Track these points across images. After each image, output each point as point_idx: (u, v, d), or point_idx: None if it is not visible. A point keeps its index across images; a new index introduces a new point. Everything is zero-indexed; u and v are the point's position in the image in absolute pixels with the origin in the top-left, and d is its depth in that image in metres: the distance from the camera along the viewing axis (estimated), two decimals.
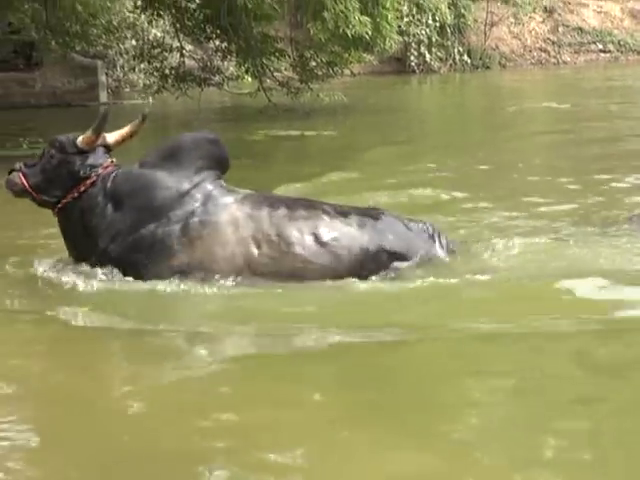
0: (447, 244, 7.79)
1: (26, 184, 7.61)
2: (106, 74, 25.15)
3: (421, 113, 23.91)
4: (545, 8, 34.13)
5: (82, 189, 7.49)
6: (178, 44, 23.82)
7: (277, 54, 21.46)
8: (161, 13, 22.88)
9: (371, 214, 7.61)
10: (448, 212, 9.88)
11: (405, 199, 10.81)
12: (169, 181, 7.34)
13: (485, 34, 32.75)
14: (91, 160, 7.55)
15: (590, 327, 6.49)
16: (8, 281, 7.67)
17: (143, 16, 23.90)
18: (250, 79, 22.86)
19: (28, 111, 18.05)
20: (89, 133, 7.55)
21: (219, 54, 23.68)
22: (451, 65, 31.45)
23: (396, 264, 7.43)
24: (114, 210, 7.43)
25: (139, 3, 23.07)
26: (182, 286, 7.15)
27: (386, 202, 10.07)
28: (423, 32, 29.22)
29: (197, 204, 7.27)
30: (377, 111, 21.63)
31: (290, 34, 21.11)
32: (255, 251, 7.17)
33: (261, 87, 21.23)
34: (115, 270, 7.37)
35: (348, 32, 18.98)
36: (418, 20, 27.42)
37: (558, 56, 33.77)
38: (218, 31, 21.67)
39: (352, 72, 23.61)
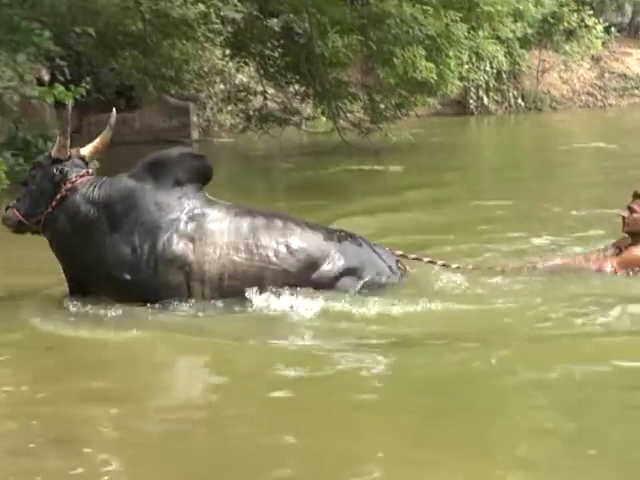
0: (401, 272, 7.85)
1: (19, 215, 7.55)
2: (197, 115, 25.43)
3: (480, 151, 23.92)
4: (592, 56, 33.99)
5: (59, 196, 7.37)
6: (262, 88, 24.04)
7: (350, 97, 21.56)
8: (247, 61, 23.15)
9: (338, 233, 7.78)
10: (513, 243, 9.75)
11: (471, 229, 10.80)
12: (157, 192, 7.26)
13: (537, 79, 32.72)
14: (67, 168, 7.48)
15: None
16: None
17: (231, 63, 24.12)
18: (325, 120, 22.94)
19: (128, 147, 18.39)
20: (58, 139, 7.59)
21: (298, 97, 23.88)
22: (506, 107, 31.38)
23: (349, 280, 7.46)
24: (101, 216, 7.33)
25: (227, 52, 23.32)
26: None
27: (452, 233, 10.29)
28: (481, 78, 29.26)
29: (183, 214, 7.22)
30: (440, 149, 21.73)
31: (362, 79, 21.27)
32: (235, 256, 7.20)
33: (335, 127, 21.26)
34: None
35: (415, 77, 19.14)
36: (477, 67, 27.42)
37: (604, 99, 33.61)
38: (297, 77, 21.87)
39: (417, 114, 23.74)
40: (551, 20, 31.75)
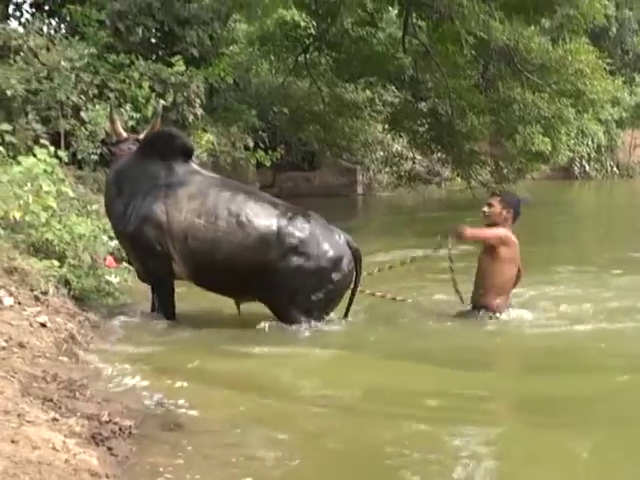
0: (355, 264, 6.77)
1: None
2: (362, 175, 25.69)
3: (584, 208, 23.58)
4: None
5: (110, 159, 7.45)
6: (411, 155, 24.24)
7: (480, 163, 21.57)
8: (401, 134, 23.35)
9: (300, 212, 6.75)
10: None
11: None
12: (146, 164, 6.78)
13: (630, 153, 32.11)
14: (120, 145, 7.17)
15: None
16: None
17: (389, 135, 24.34)
18: (460, 180, 22.90)
19: (310, 198, 18.64)
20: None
21: (439, 162, 24.00)
22: (604, 174, 30.87)
23: (301, 259, 6.46)
24: (112, 181, 7.10)
25: (386, 127, 23.57)
26: None
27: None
28: (585, 150, 28.83)
29: (162, 182, 6.71)
30: (553, 205, 21.42)
31: (490, 150, 21.20)
32: (196, 220, 6.52)
33: (468, 186, 21.32)
34: None
35: (532, 149, 19.06)
36: (582, 142, 26.99)
37: None
38: (440, 147, 21.92)
39: (533, 177, 23.55)
40: None
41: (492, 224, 7.14)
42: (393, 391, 5.09)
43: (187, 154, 7.00)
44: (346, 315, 6.91)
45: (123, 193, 6.84)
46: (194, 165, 7.08)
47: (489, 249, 7.13)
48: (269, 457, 3.87)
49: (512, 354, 6.54)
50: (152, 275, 6.90)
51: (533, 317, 7.08)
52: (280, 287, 6.49)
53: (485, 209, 7.17)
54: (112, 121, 7.35)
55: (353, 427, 4.35)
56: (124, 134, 7.27)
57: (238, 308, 6.97)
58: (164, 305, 6.86)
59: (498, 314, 7.03)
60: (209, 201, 6.62)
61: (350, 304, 6.92)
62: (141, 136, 7.22)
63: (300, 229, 6.57)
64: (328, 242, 6.66)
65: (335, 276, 6.61)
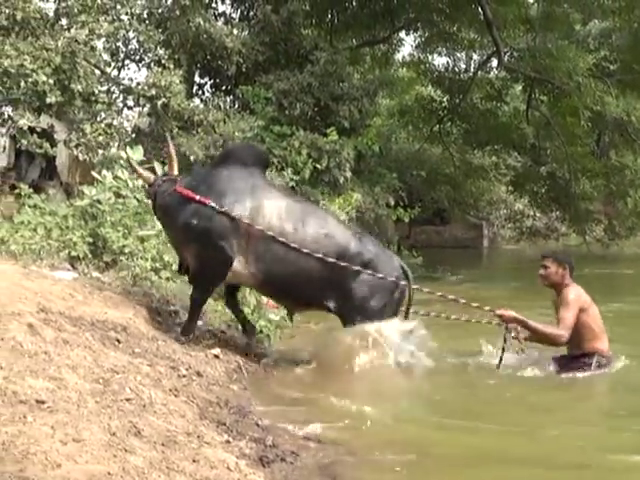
0: (409, 273, 6.26)
1: None
2: (487, 229, 25.32)
3: None
4: None
5: None
6: (532, 213, 23.79)
7: (595, 221, 20.95)
8: (523, 194, 22.95)
9: (364, 233, 6.39)
10: None
11: None
12: (228, 170, 6.04)
13: None
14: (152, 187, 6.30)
15: None
16: None
17: (511, 196, 23.96)
18: (576, 235, 22.26)
19: (440, 250, 18.42)
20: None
21: (557, 220, 23.41)
22: None
23: (370, 276, 5.93)
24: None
25: (510, 188, 23.20)
26: None
27: None
28: None
29: (247, 186, 5.97)
30: None
31: (604, 209, 20.52)
32: (285, 225, 5.84)
33: (584, 241, 20.72)
34: None
35: None
36: None
37: None
38: (557, 206, 21.45)
39: None
40: None
41: (552, 285, 6.43)
42: None
43: (264, 164, 6.48)
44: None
45: (208, 193, 5.95)
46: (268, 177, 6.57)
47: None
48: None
49: None
50: (203, 277, 6.00)
51: None
52: (350, 299, 5.96)
53: (542, 272, 6.43)
54: (135, 168, 6.73)
55: None
56: (151, 176, 6.56)
57: (291, 318, 6.59)
58: (200, 303, 6.06)
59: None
60: (296, 209, 6.04)
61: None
62: (167, 169, 6.64)
63: (368, 250, 6.13)
64: (389, 263, 6.25)
65: (396, 294, 6.18)
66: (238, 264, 5.89)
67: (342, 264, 5.90)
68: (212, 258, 5.90)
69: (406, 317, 6.25)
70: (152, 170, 8.70)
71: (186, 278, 6.40)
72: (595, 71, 17.64)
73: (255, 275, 5.93)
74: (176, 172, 6.39)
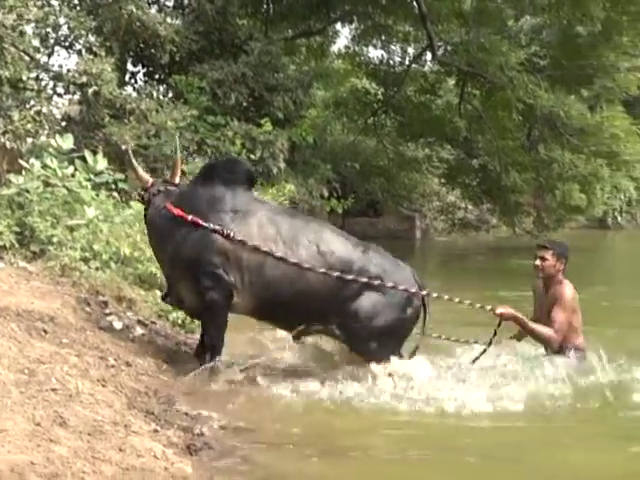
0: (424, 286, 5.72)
1: None
2: (420, 221, 25.59)
3: (614, 254, 23.15)
4: None
5: None
6: (464, 205, 24.18)
7: (524, 214, 21.37)
8: (454, 187, 23.29)
9: (369, 245, 5.67)
10: None
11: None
12: (208, 191, 5.55)
13: None
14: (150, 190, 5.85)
15: None
16: None
17: (444, 188, 24.27)
18: (506, 228, 22.69)
19: (373, 240, 18.50)
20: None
21: (488, 212, 23.83)
22: (635, 225, 30.21)
23: (378, 292, 5.43)
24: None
25: (442, 180, 23.51)
26: None
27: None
28: (618, 203, 28.30)
29: (228, 208, 5.50)
30: (587, 251, 21.05)
31: (533, 202, 20.94)
32: (273, 248, 5.39)
33: (513, 233, 21.16)
34: None
35: (570, 203, 18.83)
36: (615, 196, 26.53)
37: None
38: (488, 198, 21.80)
39: (570, 227, 23.18)
40: None
41: (547, 277, 6.09)
42: None
43: (250, 182, 5.85)
44: (414, 352, 5.74)
45: (180, 222, 5.52)
46: (255, 194, 6.00)
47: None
48: None
49: None
50: (209, 307, 5.53)
51: None
52: (357, 320, 5.45)
53: (538, 263, 6.08)
54: (134, 168, 6.11)
55: None
56: (150, 179, 6.01)
57: (297, 340, 5.82)
58: (217, 339, 5.57)
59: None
60: (284, 229, 5.53)
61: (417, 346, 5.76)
62: (168, 177, 6.08)
63: (375, 263, 5.58)
64: (400, 276, 5.64)
65: (409, 310, 5.63)
66: (234, 292, 5.46)
67: (333, 275, 5.40)
68: (211, 288, 5.43)
69: (422, 334, 5.75)
70: (83, 159, 8.62)
71: (115, 267, 6.35)
72: (526, 66, 17.98)
73: (249, 302, 5.50)
74: (177, 180, 5.95)
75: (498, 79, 17.33)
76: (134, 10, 12.88)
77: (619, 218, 29.61)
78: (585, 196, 18.64)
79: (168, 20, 14.43)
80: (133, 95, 13.47)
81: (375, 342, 5.49)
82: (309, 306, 5.46)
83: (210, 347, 5.54)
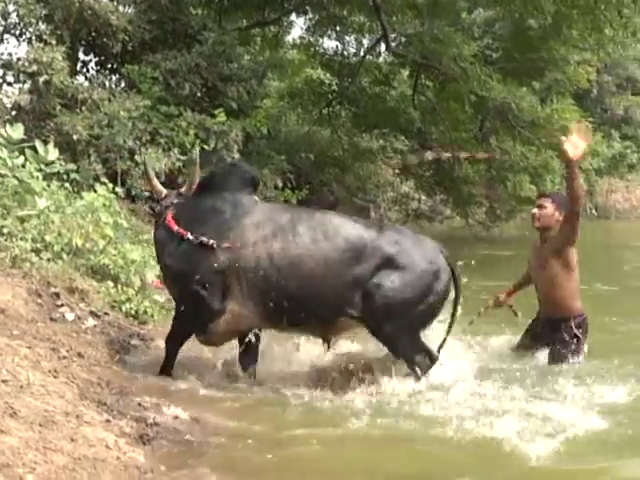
0: (455, 267, 5.46)
1: None
2: (374, 212, 25.66)
3: None
4: None
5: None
6: (418, 196, 24.35)
7: (477, 204, 21.58)
8: (409, 177, 23.44)
9: (387, 225, 5.21)
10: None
11: None
12: (210, 199, 5.42)
13: (607, 197, 32.03)
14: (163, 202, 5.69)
15: None
16: None
17: (398, 179, 24.38)
18: (459, 218, 22.89)
19: None
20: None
21: (441, 203, 24.04)
22: (584, 215, 30.49)
23: (398, 271, 5.14)
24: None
25: (396, 171, 23.61)
26: None
27: None
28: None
29: (228, 215, 5.29)
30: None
31: (485, 193, 21.17)
32: (270, 244, 5.09)
33: (466, 223, 21.39)
34: None
35: (521, 194, 19.10)
36: (564, 187, 26.88)
37: None
38: (442, 189, 21.98)
39: (522, 217, 23.40)
40: (618, 158, 31.23)
41: (544, 228, 5.88)
42: None
43: (253, 186, 5.59)
44: (441, 346, 5.46)
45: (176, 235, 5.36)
46: (257, 199, 5.63)
47: (557, 254, 5.76)
48: None
49: None
50: (181, 322, 5.37)
51: None
52: (377, 304, 5.12)
53: (535, 211, 5.89)
54: (149, 179, 5.97)
55: None
56: (164, 191, 5.81)
57: (329, 346, 5.53)
58: (170, 352, 5.35)
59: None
60: (283, 221, 5.25)
61: (452, 323, 5.49)
62: (183, 189, 5.77)
63: (392, 240, 5.27)
64: (423, 252, 5.34)
65: (437, 286, 5.27)
66: (236, 306, 5.20)
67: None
68: (189, 306, 5.24)
69: (453, 318, 5.45)
70: (33, 149, 8.51)
71: (67, 258, 6.31)
72: (479, 58, 18.17)
73: (258, 311, 5.20)
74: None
75: (451, 71, 17.47)
76: None
77: None
78: (535, 187, 18.87)
79: (120, 9, 14.27)
80: (85, 84, 13.31)
81: (392, 325, 5.15)
82: (319, 298, 5.12)
83: (165, 354, 5.39)
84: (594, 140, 21.43)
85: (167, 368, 5.36)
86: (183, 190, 5.74)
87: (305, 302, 5.11)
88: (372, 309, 5.13)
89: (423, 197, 24.84)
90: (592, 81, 24.17)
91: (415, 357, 5.24)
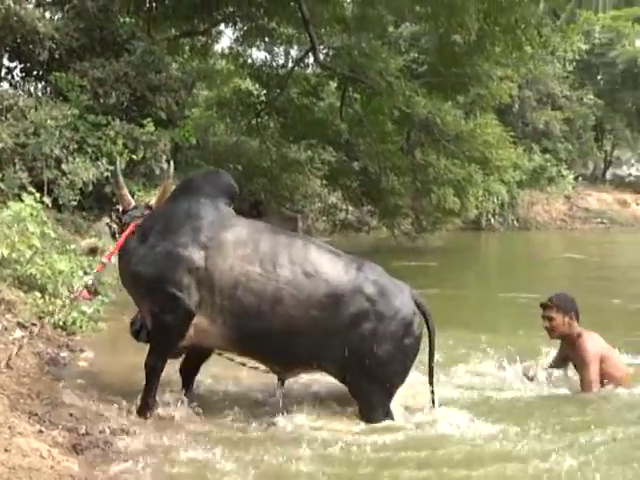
0: (426, 309, 5.13)
1: None
2: (302, 222, 25.81)
3: (488, 254, 24.12)
4: (565, 196, 34.23)
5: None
6: (345, 207, 24.58)
7: (403, 215, 21.80)
8: (336, 188, 23.63)
9: (364, 262, 5.10)
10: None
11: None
12: (186, 203, 5.12)
13: (528, 209, 32.88)
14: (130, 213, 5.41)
15: None
16: None
17: (325, 189, 24.56)
18: (385, 229, 23.11)
19: None
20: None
21: (368, 213, 24.30)
22: (506, 226, 31.31)
23: (375, 319, 4.84)
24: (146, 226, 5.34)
25: (324, 182, 23.80)
26: None
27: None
28: (490, 206, 29.29)
29: (205, 222, 4.99)
30: (461, 251, 21.89)
31: (411, 204, 21.43)
32: (249, 268, 4.82)
33: (392, 234, 21.63)
34: None
35: (445, 206, 19.46)
36: (488, 199, 27.41)
37: (572, 225, 33.59)
38: (369, 200, 22.16)
39: (446, 229, 23.87)
40: (539, 171, 32.19)
41: (561, 337, 5.86)
42: None
43: (231, 196, 5.30)
44: (433, 402, 5.16)
45: (149, 236, 5.08)
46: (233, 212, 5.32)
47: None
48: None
49: None
50: (158, 337, 4.97)
51: None
52: (353, 355, 4.81)
53: (547, 325, 5.81)
54: (119, 187, 5.60)
55: None
56: (132, 202, 5.56)
57: (282, 384, 5.21)
58: (154, 369, 4.92)
59: None
60: (263, 246, 4.93)
61: (431, 377, 5.19)
62: (152, 202, 5.51)
63: (372, 282, 4.98)
64: (399, 299, 5.02)
65: (407, 341, 4.96)
66: (204, 320, 4.88)
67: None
68: (167, 312, 4.86)
69: (430, 362, 5.16)
70: None
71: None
72: (405, 72, 18.52)
73: (226, 333, 4.89)
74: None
75: (377, 85, 17.77)
76: (11, 5, 12.60)
77: (492, 220, 30.76)
78: (459, 200, 19.28)
79: (47, 16, 14.16)
80: (10, 91, 13.16)
81: (374, 380, 4.87)
82: (294, 340, 4.83)
83: (146, 375, 4.92)
84: (516, 154, 22.05)
85: (149, 398, 4.89)
86: (152, 203, 5.49)
87: (280, 341, 4.84)
88: (350, 362, 4.83)
89: (350, 208, 25.07)
90: (514, 96, 24.90)
91: (378, 412, 4.93)
